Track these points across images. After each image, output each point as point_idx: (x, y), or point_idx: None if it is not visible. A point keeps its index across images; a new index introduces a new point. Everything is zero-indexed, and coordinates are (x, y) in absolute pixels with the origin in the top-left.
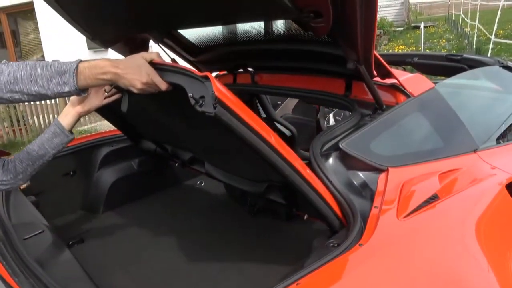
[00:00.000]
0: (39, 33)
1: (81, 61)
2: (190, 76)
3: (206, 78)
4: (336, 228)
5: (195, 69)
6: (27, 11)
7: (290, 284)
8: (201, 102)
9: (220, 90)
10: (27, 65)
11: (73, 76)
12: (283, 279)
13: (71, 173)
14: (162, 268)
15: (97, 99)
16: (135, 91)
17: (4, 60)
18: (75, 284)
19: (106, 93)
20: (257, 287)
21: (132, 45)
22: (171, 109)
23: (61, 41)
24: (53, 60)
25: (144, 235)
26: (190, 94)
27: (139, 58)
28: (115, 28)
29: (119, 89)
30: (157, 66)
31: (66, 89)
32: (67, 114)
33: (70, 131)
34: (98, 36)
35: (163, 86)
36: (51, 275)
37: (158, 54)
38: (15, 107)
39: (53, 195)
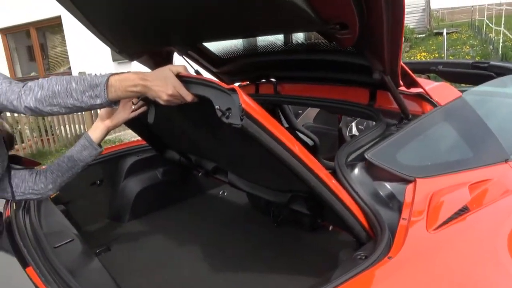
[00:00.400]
0: (66, 46)
1: (112, 74)
2: (217, 89)
3: (233, 90)
4: (363, 239)
5: (220, 82)
6: (55, 25)
7: None
8: (227, 114)
9: (247, 102)
10: (63, 79)
11: (104, 89)
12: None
13: (98, 182)
14: (186, 276)
15: (124, 113)
16: (161, 102)
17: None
18: None
19: (133, 107)
20: None
21: (157, 57)
22: (197, 120)
23: (87, 53)
24: (88, 74)
25: (169, 244)
26: (217, 107)
27: (167, 71)
28: (141, 42)
29: (146, 101)
30: (184, 79)
31: (98, 101)
32: (96, 129)
33: (99, 144)
34: (125, 49)
35: (189, 98)
36: (81, 283)
37: (185, 68)
38: (43, 118)
39: (81, 204)
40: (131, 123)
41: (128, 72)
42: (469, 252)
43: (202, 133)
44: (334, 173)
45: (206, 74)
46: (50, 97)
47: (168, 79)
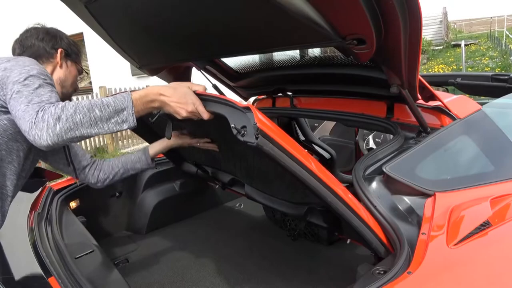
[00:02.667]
0: (87, 61)
1: (131, 92)
2: (233, 107)
3: (248, 109)
4: (381, 254)
5: (237, 101)
6: (77, 41)
7: None
8: (243, 132)
9: (261, 121)
10: (83, 107)
11: (132, 113)
12: None
13: (118, 194)
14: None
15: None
16: (179, 117)
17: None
18: None
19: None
20: None
21: (176, 72)
22: (214, 135)
23: (107, 68)
24: (106, 97)
25: (187, 256)
26: (232, 125)
27: (185, 87)
28: (161, 57)
29: (164, 116)
30: (201, 97)
31: (125, 126)
32: (158, 144)
33: (153, 160)
34: (145, 65)
35: (205, 115)
36: None
37: (204, 87)
38: None
39: (100, 216)
40: (147, 136)
41: (146, 87)
42: (492, 267)
43: (220, 147)
44: (351, 187)
45: (223, 88)
46: (70, 130)
47: (187, 96)
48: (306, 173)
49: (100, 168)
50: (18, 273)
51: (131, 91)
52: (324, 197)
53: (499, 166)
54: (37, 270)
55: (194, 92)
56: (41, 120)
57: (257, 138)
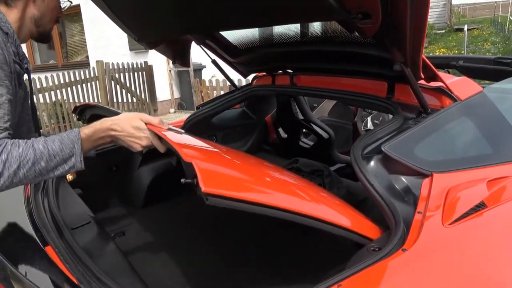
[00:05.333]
0: (84, 35)
1: (79, 133)
2: (180, 156)
3: (191, 166)
4: (363, 243)
5: (186, 144)
6: (73, 14)
7: (332, 285)
8: (195, 182)
9: (209, 183)
10: (28, 160)
11: (81, 160)
12: (324, 280)
13: (114, 168)
14: (199, 261)
15: None
16: (134, 151)
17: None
18: (120, 273)
19: None
20: (294, 282)
21: (175, 46)
22: None
23: (105, 42)
24: (50, 137)
25: (183, 229)
26: (182, 180)
27: (137, 120)
28: (160, 30)
29: None
30: (152, 132)
31: (71, 171)
32: None
33: None
34: (143, 37)
35: (162, 150)
36: (97, 263)
37: (159, 120)
38: (61, 105)
39: (97, 189)
40: None
41: (96, 122)
42: (485, 247)
43: None
44: (349, 167)
45: (223, 64)
46: (12, 184)
47: (141, 130)
48: (264, 209)
49: None
50: (14, 241)
51: (79, 130)
52: (292, 221)
53: (497, 149)
54: (34, 239)
55: (147, 124)
56: None
57: (207, 200)
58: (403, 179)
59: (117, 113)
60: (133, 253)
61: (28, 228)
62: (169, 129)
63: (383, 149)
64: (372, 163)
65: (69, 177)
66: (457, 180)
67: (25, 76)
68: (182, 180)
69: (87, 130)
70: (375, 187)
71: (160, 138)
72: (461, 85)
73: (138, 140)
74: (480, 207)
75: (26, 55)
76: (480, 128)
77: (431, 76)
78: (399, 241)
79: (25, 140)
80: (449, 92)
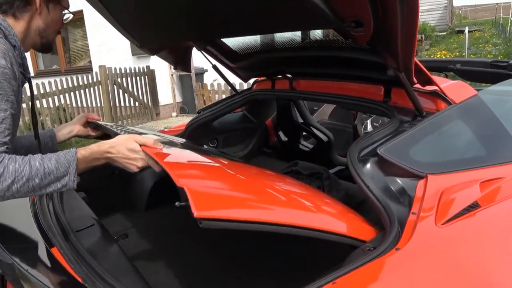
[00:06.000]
0: (87, 40)
1: (76, 154)
2: (173, 180)
3: (183, 190)
4: (356, 244)
5: (176, 173)
6: (77, 20)
7: (326, 283)
8: (189, 205)
9: (200, 207)
10: (23, 176)
11: (74, 180)
12: (319, 278)
13: (117, 172)
14: (201, 263)
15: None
16: (129, 171)
17: None
18: (124, 274)
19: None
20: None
21: (177, 52)
22: None
23: (107, 47)
24: (47, 155)
25: (184, 232)
26: (176, 203)
27: (132, 142)
28: (162, 36)
29: None
30: (146, 153)
31: (64, 189)
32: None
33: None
34: (145, 44)
35: (157, 169)
36: (101, 264)
37: (153, 141)
38: (64, 110)
39: (100, 193)
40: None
41: (93, 145)
42: (478, 246)
43: None
44: (347, 169)
45: (223, 70)
46: (4, 197)
47: (136, 152)
48: (258, 226)
49: None
50: (21, 243)
51: (77, 150)
52: (284, 232)
53: (491, 151)
54: (40, 241)
55: (141, 146)
56: None
57: (201, 223)
58: (399, 181)
59: (115, 133)
60: (136, 255)
61: (34, 230)
62: (167, 142)
63: (378, 151)
64: (368, 165)
65: None
66: (451, 182)
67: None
68: (177, 203)
69: (84, 151)
70: (371, 189)
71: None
72: (455, 89)
73: (134, 162)
74: (473, 207)
75: (29, 59)
76: (474, 130)
77: (425, 80)
78: (393, 241)
79: (22, 156)
80: (444, 96)
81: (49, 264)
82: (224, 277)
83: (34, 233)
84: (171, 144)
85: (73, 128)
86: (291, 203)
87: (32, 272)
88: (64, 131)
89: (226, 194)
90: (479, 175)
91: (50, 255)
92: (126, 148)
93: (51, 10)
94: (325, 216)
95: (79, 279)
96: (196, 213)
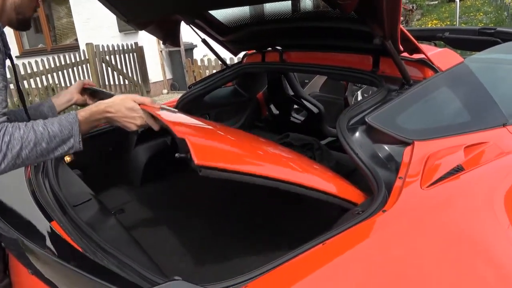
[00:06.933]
0: (72, 17)
1: (77, 116)
2: (173, 133)
3: (184, 141)
4: (347, 207)
5: (180, 121)
6: None
7: (316, 244)
8: (189, 156)
9: (201, 156)
10: (30, 141)
11: (79, 140)
12: (310, 240)
13: (111, 149)
14: (196, 234)
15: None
16: (128, 130)
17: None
18: (122, 244)
19: None
20: (283, 249)
21: (165, 26)
22: None
23: (94, 24)
24: (48, 119)
25: (179, 205)
26: (176, 155)
27: (130, 101)
28: (149, 11)
29: None
30: (146, 111)
31: (71, 151)
32: (64, 99)
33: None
34: (132, 19)
35: (156, 128)
36: (101, 236)
37: (151, 100)
38: (53, 89)
39: (95, 169)
40: None
41: (93, 104)
42: (461, 207)
43: None
44: (337, 140)
45: (213, 43)
46: (15, 165)
47: (134, 111)
48: (254, 179)
49: None
50: (21, 218)
51: (76, 112)
52: (279, 188)
53: (476, 117)
54: (39, 215)
55: (140, 105)
56: None
57: (200, 171)
58: (386, 148)
59: (111, 95)
60: (133, 228)
61: (33, 206)
62: (162, 109)
63: (367, 120)
64: (357, 134)
65: (67, 158)
66: (437, 147)
67: (8, 62)
68: (177, 154)
69: (83, 113)
70: (359, 156)
71: (153, 117)
72: (442, 57)
73: (133, 120)
74: (457, 170)
75: (14, 39)
76: (459, 97)
77: (412, 48)
78: (381, 204)
79: (25, 122)
80: (431, 64)
81: (50, 237)
82: (218, 246)
83: (32, 209)
84: (167, 110)
85: (71, 96)
86: (287, 163)
87: (37, 244)
88: (63, 100)
89: (224, 148)
90: (464, 140)
91: (51, 229)
92: (124, 107)
93: None
94: (320, 178)
95: (80, 249)
96: (196, 161)
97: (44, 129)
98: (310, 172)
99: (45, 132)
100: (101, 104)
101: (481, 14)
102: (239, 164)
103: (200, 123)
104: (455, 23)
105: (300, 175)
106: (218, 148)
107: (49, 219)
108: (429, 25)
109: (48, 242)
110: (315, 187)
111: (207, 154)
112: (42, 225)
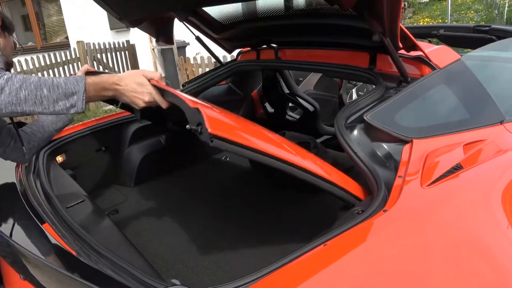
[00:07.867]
0: (62, 14)
1: (85, 77)
2: (186, 105)
3: (198, 111)
4: (351, 203)
5: (190, 98)
6: None
7: (317, 245)
8: (199, 129)
9: (214, 125)
10: (31, 83)
11: (83, 99)
12: (311, 241)
13: (103, 148)
14: (191, 236)
15: None
16: (137, 107)
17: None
18: (116, 246)
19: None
20: (283, 251)
21: (158, 24)
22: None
23: (84, 22)
24: (56, 77)
25: (174, 206)
26: (187, 126)
27: (140, 76)
28: (142, 7)
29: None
30: (157, 87)
31: (72, 111)
32: None
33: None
34: (125, 16)
35: (164, 105)
36: (95, 238)
37: (160, 75)
38: None
39: (87, 170)
40: (124, 106)
41: (102, 74)
42: (461, 205)
43: None
44: (335, 138)
45: (207, 41)
46: (12, 104)
47: (144, 86)
48: (262, 157)
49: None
50: (13, 221)
51: (86, 74)
52: (286, 171)
53: (473, 114)
54: (31, 218)
55: (150, 80)
56: None
57: (211, 141)
58: (385, 146)
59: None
60: (127, 229)
61: (24, 208)
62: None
63: (365, 118)
64: (355, 132)
65: (59, 158)
66: (436, 145)
67: None
68: (187, 126)
69: (94, 77)
70: (358, 155)
71: (162, 95)
72: (439, 54)
73: (141, 96)
74: (456, 169)
75: None
76: (457, 94)
77: (410, 45)
78: (381, 203)
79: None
80: (428, 61)
81: (42, 240)
82: (214, 247)
83: (24, 211)
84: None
85: None
86: (296, 148)
87: (28, 249)
88: None
89: (236, 125)
90: (462, 138)
91: (43, 232)
92: (134, 81)
93: (7, 37)
94: (327, 168)
95: (73, 252)
96: (210, 129)
97: (48, 78)
98: (317, 163)
99: (49, 79)
100: (113, 76)
101: (472, 12)
102: (250, 141)
103: (209, 104)
104: (446, 21)
105: (309, 162)
106: (229, 123)
107: (41, 221)
108: (421, 23)
109: (40, 246)
110: (322, 175)
111: (220, 125)
112: (34, 227)
